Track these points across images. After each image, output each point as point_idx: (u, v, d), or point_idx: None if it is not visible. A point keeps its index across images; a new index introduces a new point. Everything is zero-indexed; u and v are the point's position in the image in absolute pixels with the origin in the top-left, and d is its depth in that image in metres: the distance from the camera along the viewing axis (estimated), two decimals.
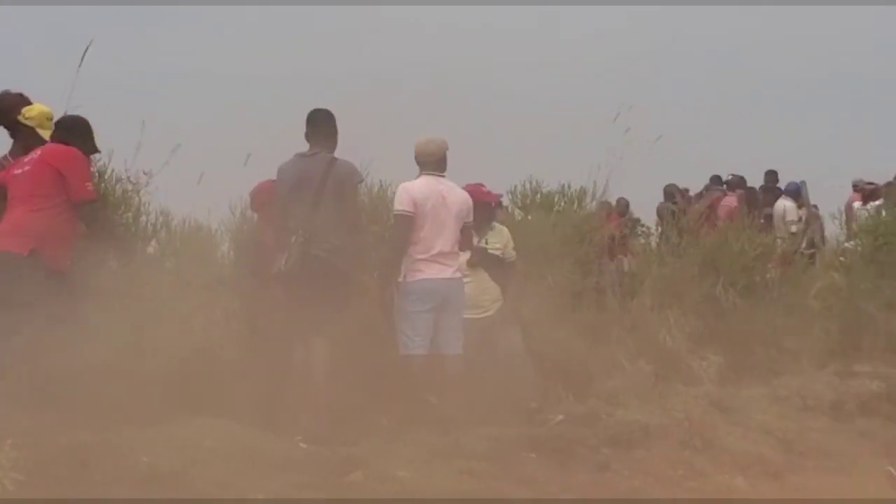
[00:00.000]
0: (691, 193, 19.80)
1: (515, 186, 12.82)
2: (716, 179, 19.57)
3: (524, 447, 8.18)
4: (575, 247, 11.48)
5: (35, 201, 8.33)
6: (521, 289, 10.24)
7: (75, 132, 8.68)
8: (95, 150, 8.94)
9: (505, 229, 10.26)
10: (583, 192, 12.15)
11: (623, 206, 17.41)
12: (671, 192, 18.73)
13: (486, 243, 10.01)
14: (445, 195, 9.15)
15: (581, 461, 8.19)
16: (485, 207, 9.97)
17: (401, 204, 9.15)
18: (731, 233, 12.76)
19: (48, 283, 8.11)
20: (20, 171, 8.46)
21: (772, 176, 19.27)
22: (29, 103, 8.99)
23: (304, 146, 9.08)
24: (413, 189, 9.18)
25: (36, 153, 8.52)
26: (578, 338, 10.51)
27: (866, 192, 17.68)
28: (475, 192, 9.93)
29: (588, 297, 11.17)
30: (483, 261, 9.88)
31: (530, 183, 12.69)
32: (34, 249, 8.21)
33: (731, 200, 18.24)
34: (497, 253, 10.04)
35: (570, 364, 10.15)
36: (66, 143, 8.53)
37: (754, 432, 9.09)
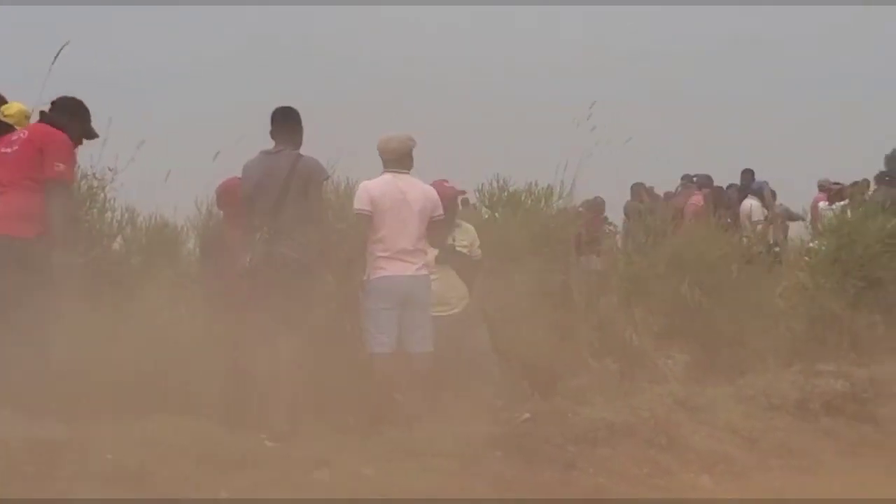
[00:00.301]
0: (665, 192, 19.91)
1: (482, 185, 12.80)
2: (688, 178, 19.61)
3: (490, 445, 8.18)
4: (542, 245, 11.47)
5: (27, 184, 8.23)
6: (488, 287, 10.23)
7: (68, 113, 8.59)
8: (92, 134, 8.84)
9: (472, 228, 10.25)
10: (550, 191, 12.14)
11: (600, 205, 17.48)
12: (638, 191, 18.80)
13: (454, 241, 10.00)
14: (406, 192, 9.13)
15: (547, 459, 8.20)
16: (447, 203, 9.94)
17: (359, 203, 9.15)
18: (697, 232, 12.81)
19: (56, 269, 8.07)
20: (9, 150, 8.35)
21: (748, 175, 19.31)
22: (5, 101, 8.92)
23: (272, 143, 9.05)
24: (371, 187, 9.18)
25: (24, 133, 8.43)
26: (545, 336, 10.50)
27: (832, 192, 17.77)
28: (436, 187, 9.94)
29: (555, 295, 11.16)
30: (450, 258, 9.87)
31: (497, 181, 12.67)
32: (40, 233, 8.13)
33: (697, 199, 18.30)
34: (464, 251, 10.02)
35: (536, 362, 10.16)
36: (58, 124, 8.44)
37: (719, 431, 9.14)
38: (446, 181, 10.12)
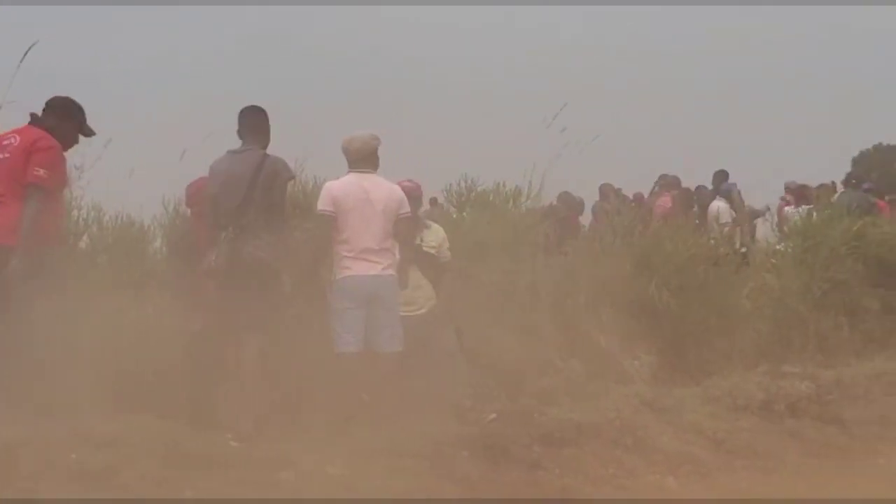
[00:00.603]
0: (635, 192, 19.94)
1: (450, 184, 12.81)
2: (665, 178, 19.56)
3: (456, 445, 8.19)
4: (510, 245, 11.48)
5: (21, 192, 8.17)
6: (456, 287, 10.23)
7: (59, 113, 8.55)
8: (88, 132, 8.80)
9: (441, 229, 10.24)
10: (518, 191, 12.16)
11: (579, 205, 17.54)
12: (606, 192, 18.82)
13: (421, 241, 9.99)
14: (369, 191, 9.12)
15: (513, 459, 8.22)
16: (410, 202, 9.95)
17: (322, 203, 9.15)
18: (665, 233, 12.84)
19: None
20: (0, 156, 8.34)
21: (720, 176, 19.34)
22: None
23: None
24: (334, 187, 9.18)
25: (15, 139, 8.38)
26: (512, 336, 10.52)
27: (797, 193, 17.85)
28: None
29: (522, 295, 11.17)
30: (416, 259, 9.86)
31: (465, 181, 12.68)
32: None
33: (665, 201, 18.33)
34: (431, 251, 10.02)
35: (503, 362, 10.16)
36: (50, 125, 8.42)
37: (685, 432, 9.17)
38: (410, 180, 10.11)
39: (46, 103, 8.65)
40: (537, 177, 12.08)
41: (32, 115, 8.59)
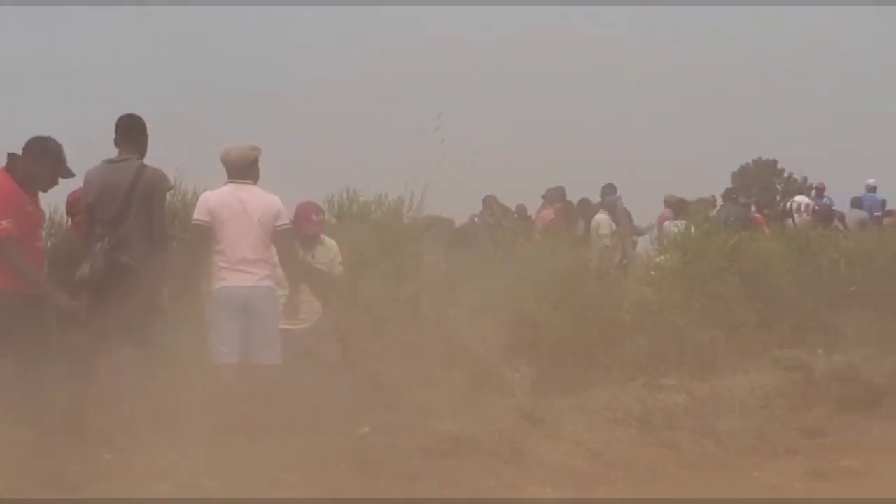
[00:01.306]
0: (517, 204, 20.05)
1: (332, 195, 12.73)
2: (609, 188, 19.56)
3: (334, 458, 8.18)
4: (392, 256, 11.46)
5: None
6: (344, 302, 10.19)
7: (35, 155, 8.61)
8: (67, 173, 8.77)
9: (334, 245, 10.23)
10: (400, 203, 12.13)
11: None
12: (490, 204, 18.91)
13: (314, 258, 9.98)
14: (246, 201, 9.06)
15: (391, 472, 8.21)
16: (307, 238, 10.02)
17: (197, 213, 9.11)
18: (546, 245, 12.92)
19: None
20: None
21: (608, 189, 19.50)
22: None
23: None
24: (210, 198, 9.13)
25: None
26: (393, 348, 10.49)
27: (676, 207, 18.09)
28: (301, 216, 10.16)
29: (404, 307, 11.16)
30: (307, 275, 9.82)
31: (347, 192, 12.61)
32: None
33: (547, 213, 18.48)
34: (322, 268, 10.00)
35: (383, 375, 10.13)
36: (27, 168, 8.53)
37: (564, 444, 9.22)
38: (313, 205, 10.14)
39: (24, 144, 8.63)
40: (419, 188, 12.05)
41: (9, 156, 8.51)
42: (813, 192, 24.85)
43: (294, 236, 9.82)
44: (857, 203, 22.65)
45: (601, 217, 17.97)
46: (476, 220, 18.26)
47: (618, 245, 17.53)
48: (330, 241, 10.25)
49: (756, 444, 10.11)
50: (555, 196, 19.44)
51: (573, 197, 19.60)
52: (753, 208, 23.50)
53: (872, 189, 23.48)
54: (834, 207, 22.38)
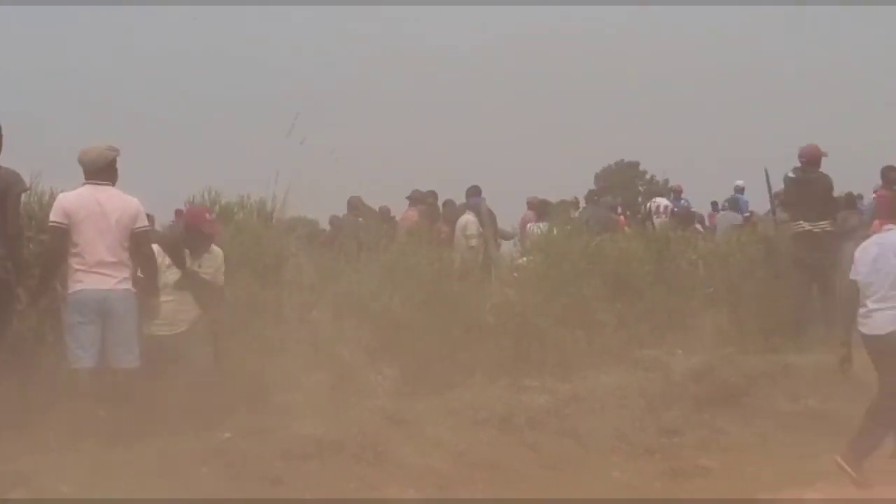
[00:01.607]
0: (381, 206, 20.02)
1: (193, 197, 12.54)
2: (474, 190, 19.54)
3: (196, 461, 8.13)
4: (255, 259, 11.35)
5: None
6: (222, 309, 10.07)
7: None
8: None
9: (220, 253, 10.10)
10: (262, 204, 12.00)
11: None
12: (355, 205, 18.87)
13: (199, 267, 9.85)
14: (103, 203, 8.93)
15: (254, 475, 8.20)
16: (205, 237, 9.85)
17: (54, 215, 8.95)
18: (409, 247, 12.93)
19: None
20: None
21: (473, 191, 19.54)
22: None
23: None
24: (66, 200, 8.99)
25: None
26: (257, 351, 10.42)
27: (540, 208, 18.22)
28: (195, 216, 10.06)
29: (267, 309, 11.07)
30: (192, 284, 9.71)
31: (209, 193, 12.44)
32: None
33: (411, 214, 18.50)
34: (207, 277, 9.88)
35: (246, 378, 10.05)
36: None
37: (427, 445, 9.27)
38: (207, 211, 10.03)
39: None
40: (281, 189, 11.93)
41: None
42: (671, 195, 25.14)
43: (186, 241, 9.75)
44: (733, 204, 22.86)
45: (468, 218, 18.00)
46: (337, 221, 18.28)
47: (482, 246, 17.58)
48: (217, 249, 10.11)
49: (616, 444, 10.27)
50: (418, 198, 19.49)
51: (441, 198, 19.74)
52: (620, 209, 23.85)
53: (740, 190, 23.63)
54: (693, 209, 22.76)
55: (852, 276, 9.33)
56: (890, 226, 9.31)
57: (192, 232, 9.87)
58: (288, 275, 11.77)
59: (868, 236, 9.63)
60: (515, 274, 13.58)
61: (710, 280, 14.44)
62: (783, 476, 9.55)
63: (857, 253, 9.38)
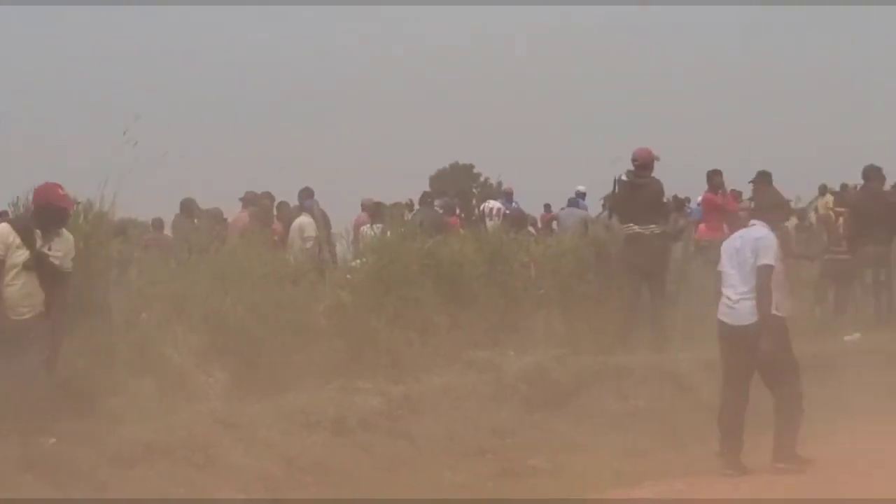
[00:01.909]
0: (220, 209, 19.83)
1: (18, 198, 12.18)
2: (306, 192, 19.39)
3: (21, 468, 7.95)
4: (82, 260, 11.08)
5: None
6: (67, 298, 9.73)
7: None
8: None
9: (71, 238, 9.69)
10: (90, 205, 11.72)
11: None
12: (189, 207, 18.66)
13: (50, 249, 9.42)
14: None
15: (79, 481, 8.07)
16: (57, 212, 9.44)
17: None
18: (241, 249, 12.82)
19: None
20: None
21: (305, 193, 19.41)
22: None
23: None
24: None
25: None
26: (82, 354, 10.17)
27: (373, 211, 18.20)
28: (47, 192, 9.50)
29: (94, 312, 10.83)
30: (40, 266, 9.31)
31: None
32: None
33: (243, 217, 18.34)
34: (56, 261, 9.46)
35: (73, 382, 9.81)
36: None
37: (258, 448, 9.22)
38: (60, 187, 9.61)
39: None
40: (110, 190, 11.66)
41: None
42: (503, 198, 25.28)
43: (37, 220, 9.33)
44: (573, 202, 22.83)
45: (305, 220, 17.91)
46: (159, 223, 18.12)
47: (317, 248, 17.49)
48: (67, 234, 9.72)
49: (449, 445, 10.33)
50: (250, 200, 19.34)
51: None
52: (458, 211, 23.89)
53: (581, 195, 23.52)
54: (525, 212, 22.91)
55: (718, 268, 9.87)
56: (754, 222, 9.70)
57: (43, 209, 9.43)
58: (115, 277, 11.56)
59: (695, 239, 9.98)
60: (349, 276, 13.53)
61: (542, 282, 14.58)
62: (612, 475, 9.72)
63: (723, 246, 9.99)
